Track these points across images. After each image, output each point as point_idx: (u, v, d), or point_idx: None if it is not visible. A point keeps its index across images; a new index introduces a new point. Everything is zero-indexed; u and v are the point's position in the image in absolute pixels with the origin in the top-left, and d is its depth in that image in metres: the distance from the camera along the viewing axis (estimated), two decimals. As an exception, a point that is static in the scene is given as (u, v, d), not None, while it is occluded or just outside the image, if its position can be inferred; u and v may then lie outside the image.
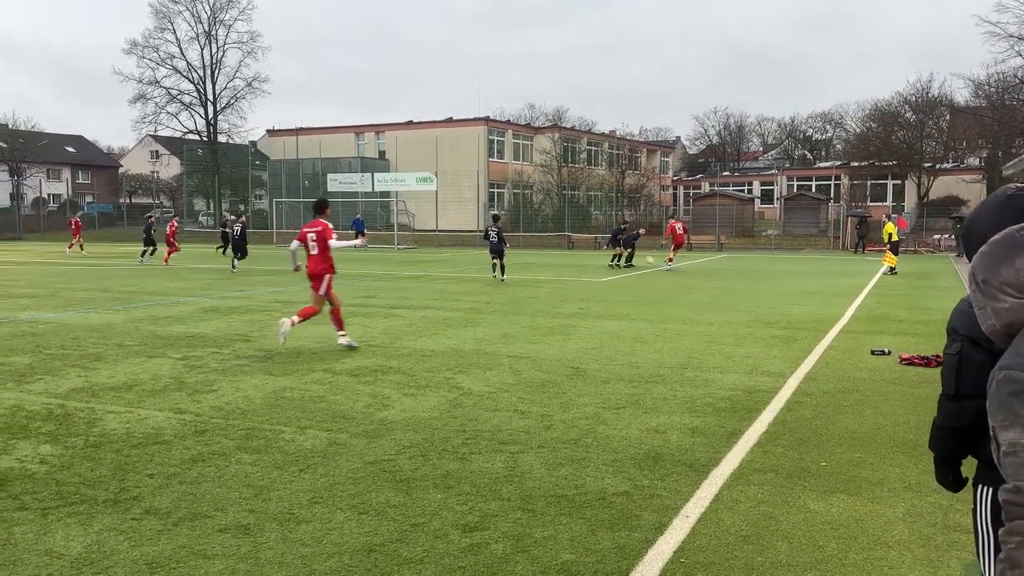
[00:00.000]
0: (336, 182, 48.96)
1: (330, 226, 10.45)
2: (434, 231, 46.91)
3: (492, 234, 21.13)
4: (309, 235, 10.35)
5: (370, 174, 48.64)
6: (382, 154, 58.28)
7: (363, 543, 4.16)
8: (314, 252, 10.30)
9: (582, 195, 55.60)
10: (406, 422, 6.56)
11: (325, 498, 4.81)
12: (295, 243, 10.55)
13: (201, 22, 61.70)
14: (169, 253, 27.95)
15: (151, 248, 28.68)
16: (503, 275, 20.84)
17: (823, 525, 4.41)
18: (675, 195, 75.04)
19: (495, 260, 21.11)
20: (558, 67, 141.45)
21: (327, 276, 10.20)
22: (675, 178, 79.52)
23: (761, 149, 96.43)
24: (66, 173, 72.37)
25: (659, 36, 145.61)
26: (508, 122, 61.52)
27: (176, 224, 30.12)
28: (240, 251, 25.78)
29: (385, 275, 23.01)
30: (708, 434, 6.23)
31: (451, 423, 6.54)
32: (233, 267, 24.60)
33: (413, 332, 11.57)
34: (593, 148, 63.96)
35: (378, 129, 59.93)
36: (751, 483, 5.09)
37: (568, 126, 66.18)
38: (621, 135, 69.15)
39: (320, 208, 10.69)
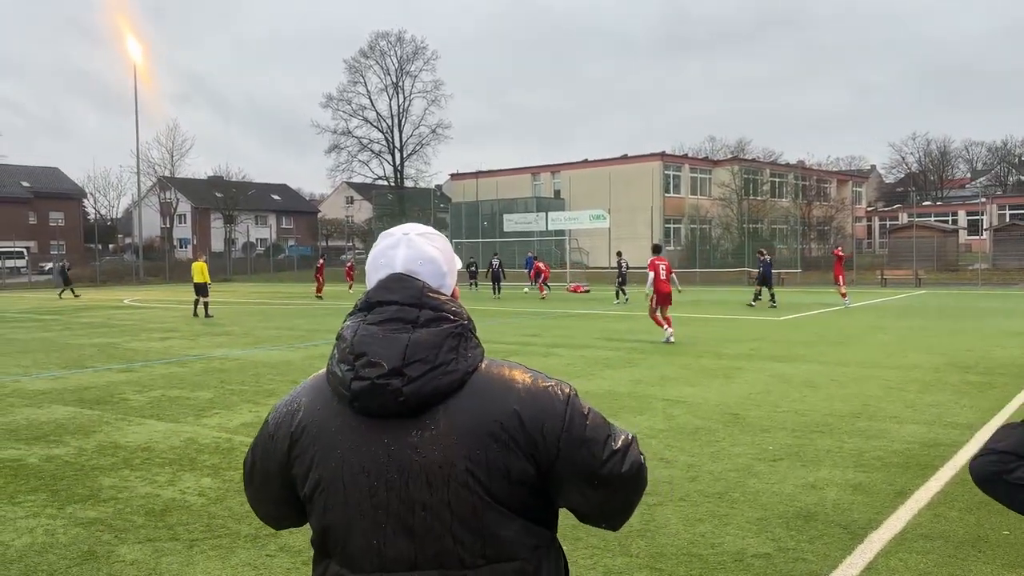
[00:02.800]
0: (511, 222, 50.07)
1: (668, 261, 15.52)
2: (607, 268, 46.72)
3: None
4: (660, 266, 15.11)
5: (544, 213, 49.36)
6: (557, 193, 59.01)
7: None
8: (663, 278, 15.13)
9: (765, 228, 53.53)
10: (545, 467, 6.43)
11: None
12: (651, 274, 15.07)
13: (389, 74, 65.88)
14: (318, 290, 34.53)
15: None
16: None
17: (996, 607, 3.84)
18: (869, 227, 70.65)
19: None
20: (740, 96, 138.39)
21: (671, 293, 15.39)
22: (869, 209, 74.90)
23: (969, 176, 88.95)
24: (271, 219, 78.85)
25: (849, 57, 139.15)
26: (685, 156, 60.41)
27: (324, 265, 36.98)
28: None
29: (552, 312, 23.10)
30: (872, 492, 5.65)
31: (591, 470, 6.33)
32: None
33: (569, 372, 11.44)
34: (777, 179, 61.51)
35: (553, 169, 60.84)
36: (913, 550, 4.53)
37: (750, 157, 64.12)
38: (808, 165, 66.12)
39: (657, 250, 15.61)
